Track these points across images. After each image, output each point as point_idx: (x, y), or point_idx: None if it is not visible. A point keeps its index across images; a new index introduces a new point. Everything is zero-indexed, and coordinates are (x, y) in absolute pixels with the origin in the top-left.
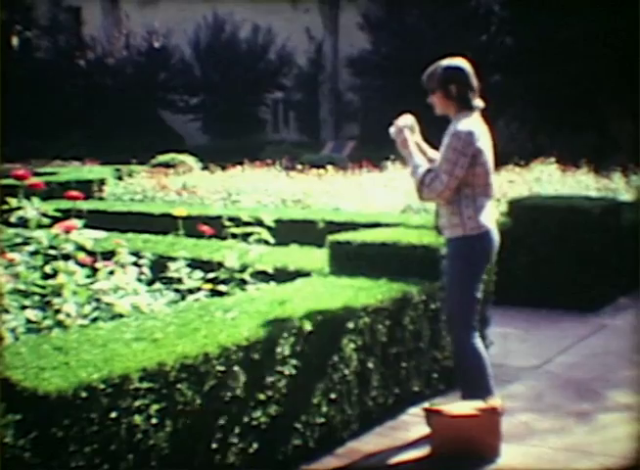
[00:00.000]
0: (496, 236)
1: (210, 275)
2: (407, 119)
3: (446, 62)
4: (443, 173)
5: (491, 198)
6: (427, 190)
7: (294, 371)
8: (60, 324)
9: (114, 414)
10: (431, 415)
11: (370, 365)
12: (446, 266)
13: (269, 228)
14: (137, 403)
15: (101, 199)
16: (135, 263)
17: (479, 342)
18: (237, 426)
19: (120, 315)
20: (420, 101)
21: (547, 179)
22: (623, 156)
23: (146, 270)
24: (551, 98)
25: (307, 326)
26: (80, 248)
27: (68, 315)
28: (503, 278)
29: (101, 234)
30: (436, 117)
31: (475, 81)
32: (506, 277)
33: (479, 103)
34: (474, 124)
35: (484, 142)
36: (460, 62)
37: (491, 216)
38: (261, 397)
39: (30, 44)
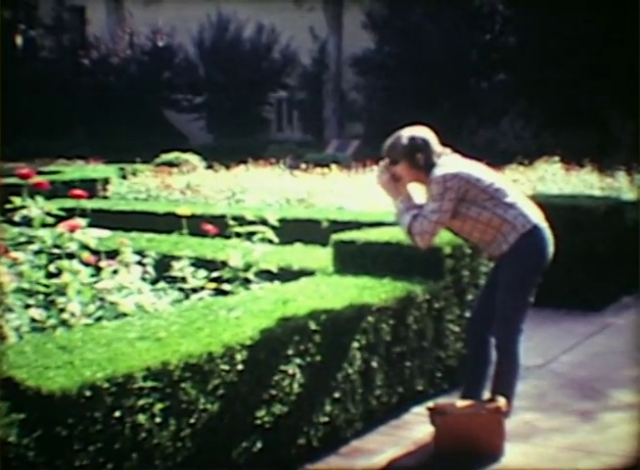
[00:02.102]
0: (549, 234)
1: (214, 274)
2: (383, 163)
3: (408, 132)
4: (431, 215)
5: (523, 200)
6: (418, 236)
7: (297, 370)
8: (64, 323)
9: (117, 413)
10: (434, 414)
11: (374, 364)
12: (502, 274)
13: (273, 227)
14: (141, 402)
15: (105, 198)
16: (139, 262)
17: (521, 348)
18: (241, 425)
19: (124, 314)
20: (423, 100)
21: (551, 178)
22: (626, 154)
23: (150, 269)
24: (554, 97)
25: (311, 325)
26: (84, 247)
27: (72, 314)
28: None
29: (105, 233)
30: (442, 119)
31: (437, 145)
32: None
33: (444, 151)
34: (447, 166)
35: (467, 167)
36: (422, 130)
37: (539, 214)
38: (265, 396)
39: (34, 43)
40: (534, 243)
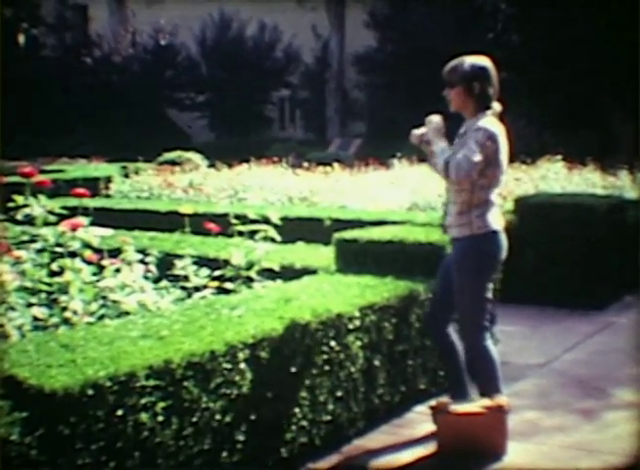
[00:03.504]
0: (504, 238)
1: (217, 273)
2: (438, 117)
3: (472, 59)
4: (472, 154)
5: (498, 201)
6: (454, 169)
7: (300, 369)
8: (66, 322)
9: (120, 412)
10: (437, 413)
11: (376, 363)
12: (454, 268)
13: (276, 226)
14: (143, 401)
15: (107, 196)
16: (141, 261)
17: (491, 343)
18: (243, 423)
19: (127, 313)
20: (426, 99)
21: (553, 177)
22: (627, 153)
23: (152, 268)
24: (557, 96)
25: (313, 324)
26: (87, 245)
27: (74, 313)
28: (509, 276)
29: (107, 232)
30: (444, 117)
31: (496, 83)
32: (512, 275)
33: (497, 106)
34: (493, 125)
35: (503, 144)
36: (486, 61)
37: (499, 218)
38: (267, 394)
39: (37, 42)
40: (493, 244)
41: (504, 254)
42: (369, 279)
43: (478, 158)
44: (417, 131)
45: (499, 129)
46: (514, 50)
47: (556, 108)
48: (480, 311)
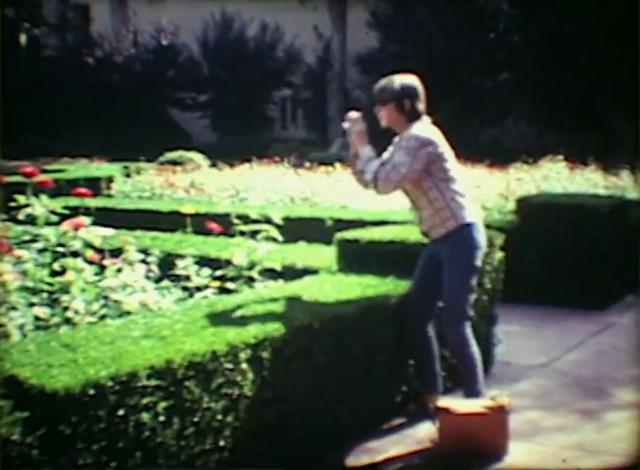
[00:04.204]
0: (480, 229)
1: (218, 273)
2: (359, 114)
3: (401, 78)
4: (400, 166)
5: (468, 195)
6: (382, 182)
7: (302, 369)
8: (68, 321)
9: (121, 412)
10: (439, 413)
11: (378, 363)
12: (445, 261)
13: (277, 226)
14: (145, 401)
15: (109, 196)
16: (143, 261)
17: (471, 335)
18: (245, 424)
19: (128, 313)
20: (427, 99)
21: (555, 177)
22: (629, 154)
23: (154, 268)
24: (558, 96)
25: (315, 324)
26: (88, 245)
27: (76, 313)
28: (511, 276)
29: (109, 231)
30: (446, 117)
31: (424, 99)
32: (514, 275)
33: (426, 118)
34: (425, 129)
35: (441, 142)
36: (414, 79)
37: (473, 210)
38: (269, 395)
39: (38, 42)
40: (472, 234)
41: (484, 244)
42: (370, 279)
43: (404, 169)
44: (345, 125)
45: (432, 132)
46: (515, 50)
47: (557, 108)
48: (467, 300)
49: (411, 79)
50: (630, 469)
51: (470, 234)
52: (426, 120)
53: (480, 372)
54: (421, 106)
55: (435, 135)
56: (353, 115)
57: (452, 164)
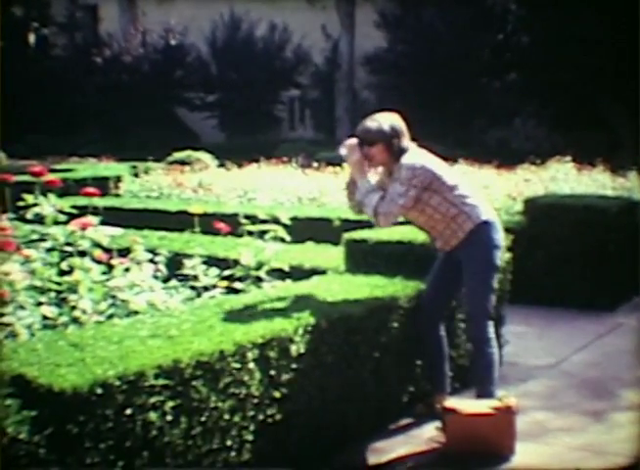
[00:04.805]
0: (498, 226)
1: (226, 273)
2: (355, 141)
3: (387, 118)
4: (398, 198)
5: (477, 194)
6: (383, 217)
7: (309, 369)
8: (75, 321)
9: (129, 411)
10: (445, 413)
11: (385, 363)
12: (463, 262)
13: (285, 226)
14: (152, 400)
15: (117, 196)
16: (151, 260)
17: (495, 339)
18: (252, 423)
19: (136, 312)
20: (436, 100)
21: (563, 178)
22: (637, 154)
23: (162, 267)
24: (566, 96)
25: (323, 324)
26: (96, 245)
27: (83, 312)
28: (519, 277)
29: (117, 231)
30: (454, 118)
31: (407, 134)
32: (522, 276)
33: (411, 144)
34: (415, 157)
35: (433, 162)
36: (398, 118)
37: (491, 209)
38: (276, 394)
39: (47, 41)
40: (490, 233)
41: (502, 243)
42: (378, 279)
43: (402, 200)
44: (341, 152)
45: (421, 156)
46: (523, 51)
47: (565, 108)
48: (489, 300)
49: (396, 119)
50: (633, 468)
51: (488, 233)
52: (412, 149)
53: (496, 374)
54: (406, 142)
55: (425, 158)
56: (350, 142)
57: (449, 173)
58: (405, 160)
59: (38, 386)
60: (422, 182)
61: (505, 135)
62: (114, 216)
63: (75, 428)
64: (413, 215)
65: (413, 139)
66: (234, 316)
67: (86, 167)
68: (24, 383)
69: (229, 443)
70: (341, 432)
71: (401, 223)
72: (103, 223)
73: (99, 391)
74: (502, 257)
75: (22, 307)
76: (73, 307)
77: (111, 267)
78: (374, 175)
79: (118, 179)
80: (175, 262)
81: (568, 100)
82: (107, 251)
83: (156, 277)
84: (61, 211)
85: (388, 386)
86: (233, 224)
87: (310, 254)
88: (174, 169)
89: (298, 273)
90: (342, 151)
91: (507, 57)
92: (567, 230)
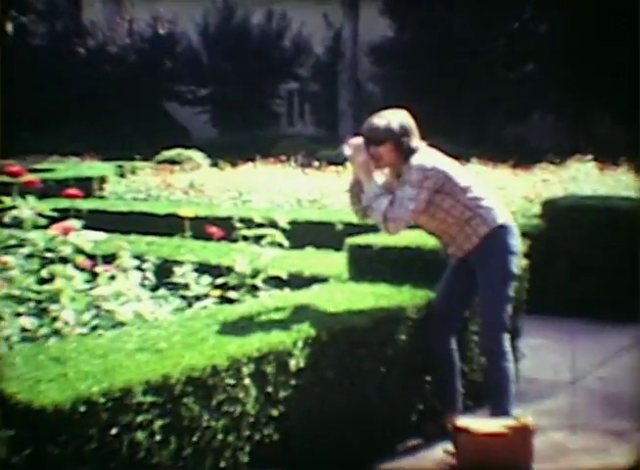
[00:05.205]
0: (514, 230)
1: (219, 281)
2: (361, 140)
3: (396, 116)
4: (408, 201)
5: (492, 196)
6: (393, 223)
7: (309, 385)
8: (57, 333)
9: (114, 430)
10: (457, 433)
11: (392, 379)
12: (477, 269)
13: (283, 230)
14: (139, 419)
15: (101, 198)
16: (138, 268)
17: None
18: (247, 444)
19: (122, 324)
20: (445, 92)
21: (584, 178)
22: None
23: (149, 275)
24: (589, 90)
25: (324, 337)
26: (79, 250)
27: (65, 323)
28: (536, 285)
29: (101, 236)
30: (466, 113)
31: (416, 132)
32: (539, 284)
33: (421, 143)
34: (426, 157)
35: (445, 162)
36: (407, 115)
37: (507, 212)
38: (274, 413)
39: (26, 30)
40: (506, 237)
41: (519, 249)
42: (384, 288)
43: (412, 204)
44: (345, 151)
45: (432, 157)
46: (541, 39)
47: (587, 103)
48: (506, 312)
49: (405, 116)
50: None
51: (504, 238)
52: (422, 149)
53: (512, 391)
54: (416, 142)
55: (436, 158)
56: (355, 141)
57: (462, 174)
58: (415, 160)
59: (17, 403)
60: (434, 184)
61: (522, 132)
62: (98, 220)
63: (56, 448)
64: (424, 220)
65: (422, 137)
66: (228, 328)
67: (68, 167)
68: (2, 399)
69: (223, 465)
70: (343, 453)
71: (409, 227)
72: (86, 228)
73: (82, 408)
74: (519, 263)
75: None
76: (54, 318)
77: (94, 275)
78: (379, 176)
79: (103, 180)
80: (164, 270)
81: (590, 93)
82: (90, 257)
83: (143, 286)
84: (41, 215)
85: (395, 403)
86: (227, 228)
87: (310, 260)
88: (163, 169)
89: (298, 281)
90: (347, 151)
91: (523, 46)
92: (588, 234)
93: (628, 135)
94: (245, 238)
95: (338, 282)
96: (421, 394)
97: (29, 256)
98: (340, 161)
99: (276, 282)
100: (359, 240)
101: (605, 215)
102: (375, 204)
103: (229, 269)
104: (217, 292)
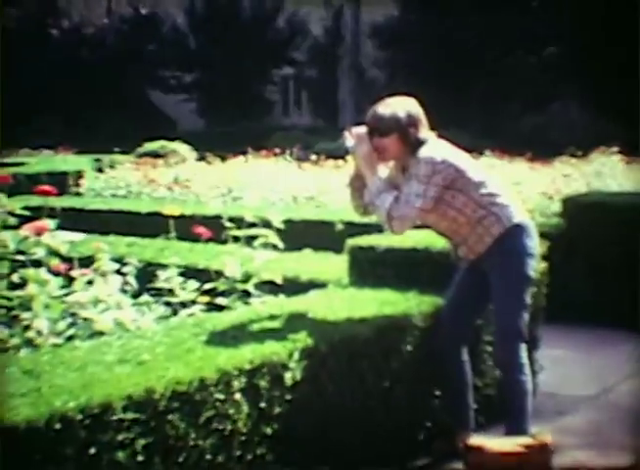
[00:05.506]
0: (533, 230)
1: (207, 286)
2: (364, 130)
3: (403, 103)
4: (415, 198)
5: (507, 192)
6: (398, 222)
7: (306, 401)
8: (29, 343)
9: (93, 450)
10: (469, 452)
11: (396, 394)
12: (490, 273)
13: (278, 230)
14: (120, 437)
15: (78, 195)
16: (118, 272)
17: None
18: (238, 465)
19: (101, 333)
20: (456, 78)
21: (609, 173)
22: None
23: (131, 280)
24: (616, 75)
25: (322, 347)
26: (53, 253)
27: (38, 333)
28: (556, 290)
29: (78, 237)
30: (478, 101)
31: (426, 121)
32: (560, 289)
33: (429, 134)
34: (435, 149)
35: (456, 155)
36: (414, 103)
37: (524, 210)
38: (267, 430)
39: None
40: (523, 238)
41: (537, 251)
42: (388, 294)
43: (420, 202)
44: (347, 142)
45: (442, 149)
46: (561, 20)
47: (612, 90)
48: (522, 320)
49: (413, 105)
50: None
51: (520, 239)
52: (431, 140)
53: (529, 407)
54: (424, 132)
55: (447, 151)
56: (358, 131)
57: (475, 168)
58: (423, 153)
59: None
60: (443, 179)
61: (540, 122)
62: (74, 219)
63: (30, 469)
64: (432, 219)
65: (431, 128)
66: (217, 338)
67: (40, 161)
68: None
69: None
70: None
71: (416, 227)
72: (61, 228)
73: (57, 426)
74: (536, 266)
75: None
76: (27, 327)
77: (70, 280)
78: (383, 170)
79: (79, 175)
80: (147, 274)
81: (615, 80)
82: (66, 260)
83: (124, 291)
84: (11, 213)
85: (401, 420)
86: (215, 228)
87: (307, 263)
88: (145, 163)
89: (294, 287)
90: (349, 142)
91: (543, 28)
92: (613, 235)
93: None
94: (235, 239)
95: (337, 287)
96: (429, 410)
97: None
98: (340, 154)
99: (270, 287)
100: (361, 241)
101: (632, 214)
102: (378, 200)
103: (218, 273)
104: (205, 298)
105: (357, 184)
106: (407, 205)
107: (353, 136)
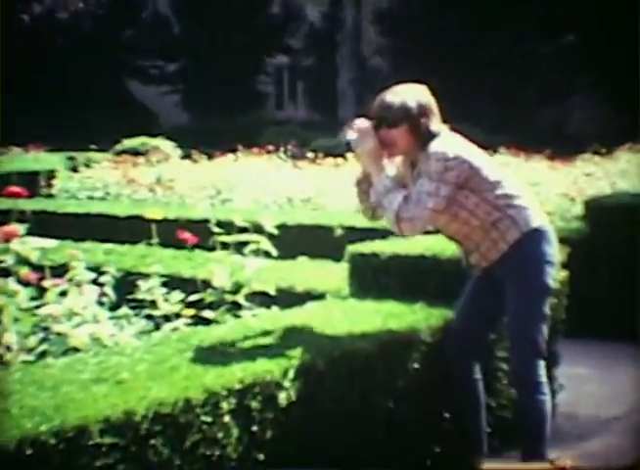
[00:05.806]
0: (554, 238)
1: (193, 297)
2: (368, 123)
3: (413, 92)
4: (426, 198)
5: (527, 194)
6: (408, 224)
7: (302, 423)
8: None
9: None
10: None
11: (401, 415)
12: (505, 283)
13: (271, 236)
14: (98, 463)
15: (50, 196)
16: (95, 281)
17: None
18: None
19: (76, 349)
20: (465, 69)
21: (636, 172)
22: None
23: (109, 291)
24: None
25: (320, 364)
26: (23, 261)
27: (7, 349)
28: (577, 302)
29: (50, 243)
30: (490, 93)
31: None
32: (581, 301)
33: (442, 127)
34: (448, 143)
35: (470, 151)
36: (426, 92)
37: (542, 212)
38: (260, 456)
39: None
40: (541, 244)
41: (556, 258)
42: (393, 306)
43: (431, 202)
44: (349, 136)
45: (456, 143)
46: (583, 4)
47: (638, 79)
48: (541, 334)
49: (424, 92)
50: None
51: (538, 245)
52: (444, 133)
53: (548, 429)
54: (436, 124)
55: (461, 146)
56: (362, 124)
57: (490, 166)
58: (434, 147)
59: None
60: (457, 177)
61: (560, 116)
62: (46, 224)
63: None
64: (442, 221)
65: (443, 121)
66: (204, 355)
67: (9, 159)
68: None
69: None
70: None
71: (424, 232)
72: (31, 233)
73: (29, 450)
74: (556, 275)
75: None
76: None
77: (42, 291)
78: (390, 167)
79: (51, 175)
80: (126, 284)
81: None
82: (37, 269)
83: (101, 304)
84: None
85: (406, 444)
86: (202, 234)
87: (304, 272)
88: (124, 161)
89: (288, 298)
90: (351, 135)
91: (561, 13)
92: (639, 240)
93: None
94: (224, 246)
95: (336, 299)
96: (437, 432)
97: None
98: (339, 151)
99: (262, 299)
100: (363, 247)
101: None
102: (386, 200)
103: (205, 284)
104: (191, 311)
105: (365, 186)
106: (418, 205)
107: (356, 130)
